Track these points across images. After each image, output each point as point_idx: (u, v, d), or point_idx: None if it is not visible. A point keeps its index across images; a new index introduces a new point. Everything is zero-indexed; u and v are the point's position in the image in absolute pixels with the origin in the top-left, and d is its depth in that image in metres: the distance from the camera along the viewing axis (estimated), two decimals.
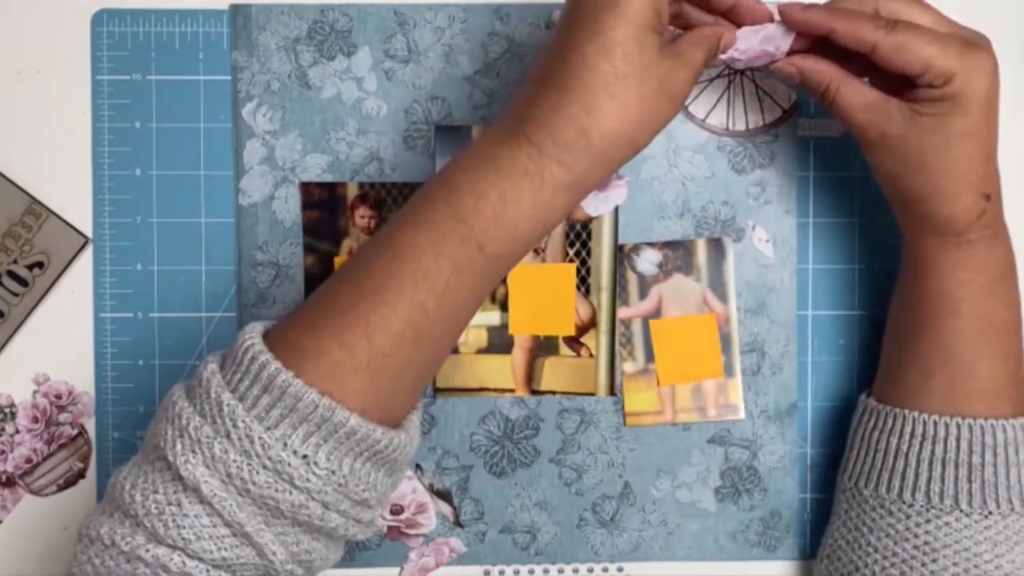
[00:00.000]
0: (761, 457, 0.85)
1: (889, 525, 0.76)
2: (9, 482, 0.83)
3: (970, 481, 0.74)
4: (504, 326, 0.84)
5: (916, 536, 0.75)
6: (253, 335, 0.65)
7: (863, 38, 0.70)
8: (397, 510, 0.85)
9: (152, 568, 0.61)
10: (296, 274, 0.84)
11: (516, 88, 0.71)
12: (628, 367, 0.85)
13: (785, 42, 0.73)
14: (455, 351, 0.84)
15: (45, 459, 0.84)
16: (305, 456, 0.63)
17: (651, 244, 0.85)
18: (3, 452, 0.83)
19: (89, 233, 0.83)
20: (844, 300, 0.86)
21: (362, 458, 0.65)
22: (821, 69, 0.73)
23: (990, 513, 0.74)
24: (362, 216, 0.84)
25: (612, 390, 0.85)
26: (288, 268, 0.84)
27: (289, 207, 0.84)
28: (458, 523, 0.85)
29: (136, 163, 0.83)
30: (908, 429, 0.76)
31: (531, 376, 0.85)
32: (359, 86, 0.83)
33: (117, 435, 0.84)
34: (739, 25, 0.73)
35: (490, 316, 0.84)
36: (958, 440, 0.74)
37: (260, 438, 0.62)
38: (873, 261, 0.85)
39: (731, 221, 0.85)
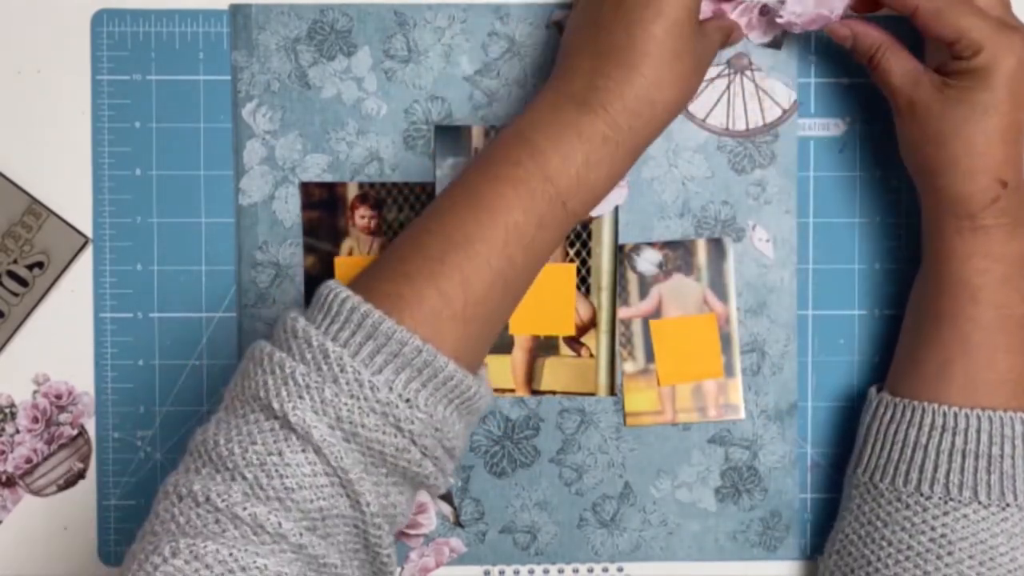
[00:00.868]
0: (761, 457, 0.85)
1: (905, 518, 0.76)
2: (9, 482, 0.83)
3: (989, 473, 0.74)
4: (504, 326, 0.84)
5: (933, 529, 0.75)
6: (341, 289, 0.67)
7: (906, 1, 0.75)
8: None
9: (245, 528, 0.61)
10: (296, 274, 0.84)
11: (558, 56, 0.77)
12: (628, 367, 0.85)
13: (840, 5, 0.78)
14: None
15: (45, 459, 0.84)
16: (408, 400, 0.65)
17: (651, 244, 0.85)
18: (3, 452, 0.83)
19: (89, 233, 0.83)
20: (844, 300, 0.85)
21: (451, 406, 0.68)
22: (872, 33, 0.78)
23: (1007, 505, 0.74)
24: (362, 216, 0.84)
25: (612, 390, 0.85)
26: (288, 268, 0.84)
27: (289, 207, 0.84)
28: (458, 523, 0.85)
29: (136, 163, 0.83)
30: (928, 420, 0.75)
31: (531, 376, 0.85)
32: (359, 86, 0.83)
33: (117, 435, 0.84)
34: None
35: None
36: (978, 432, 0.74)
37: (369, 381, 0.64)
38: (873, 261, 0.85)
39: (731, 221, 0.85)
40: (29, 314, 0.83)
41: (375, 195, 0.84)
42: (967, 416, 0.74)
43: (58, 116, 0.83)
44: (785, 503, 0.85)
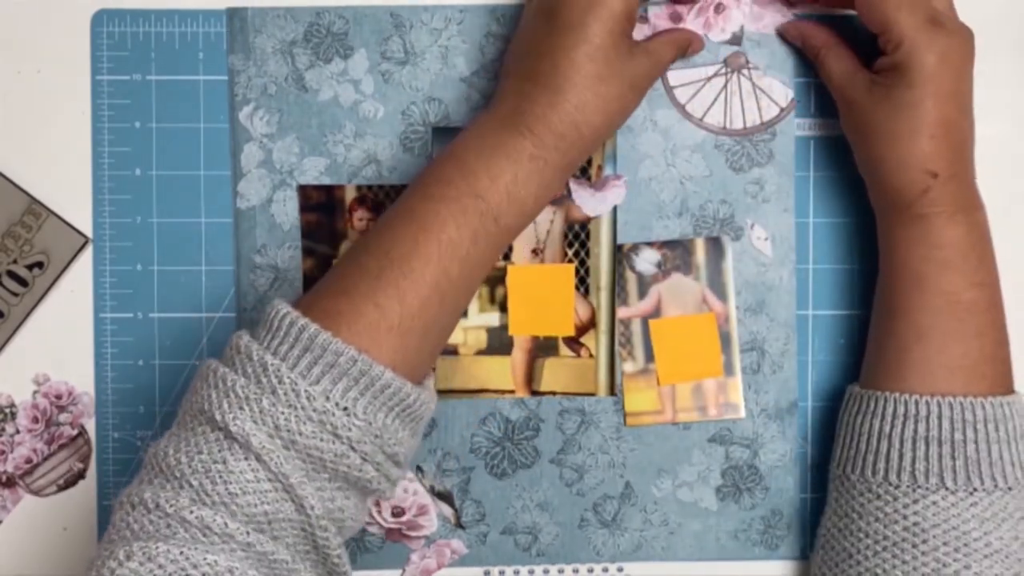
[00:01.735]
0: (762, 456, 0.85)
1: (877, 508, 0.76)
2: (9, 482, 0.83)
3: (954, 459, 0.74)
4: (504, 327, 0.84)
5: (905, 517, 0.75)
6: (283, 306, 0.69)
7: None
8: (398, 512, 0.84)
9: (194, 530, 0.64)
10: (295, 277, 0.84)
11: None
12: (628, 367, 0.85)
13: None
14: (455, 352, 0.84)
15: (45, 459, 0.84)
16: (346, 408, 0.67)
17: (650, 244, 0.85)
18: (3, 452, 0.83)
19: (89, 233, 0.84)
20: (844, 299, 0.85)
21: (392, 413, 0.70)
22: (818, 34, 0.82)
23: (975, 490, 0.74)
24: (360, 218, 0.84)
25: (612, 390, 0.85)
26: (287, 271, 0.84)
27: (287, 210, 0.84)
28: (459, 524, 0.85)
29: (136, 163, 0.84)
30: (890, 410, 0.76)
31: (531, 377, 0.85)
32: (356, 88, 0.84)
33: (117, 435, 0.84)
34: None
35: (490, 317, 0.84)
36: (940, 418, 0.75)
37: (305, 391, 0.66)
38: (873, 260, 0.85)
39: (729, 220, 0.85)
40: (29, 314, 0.83)
41: (373, 197, 0.84)
42: (927, 403, 0.75)
43: (58, 116, 0.84)
44: (786, 502, 0.85)
